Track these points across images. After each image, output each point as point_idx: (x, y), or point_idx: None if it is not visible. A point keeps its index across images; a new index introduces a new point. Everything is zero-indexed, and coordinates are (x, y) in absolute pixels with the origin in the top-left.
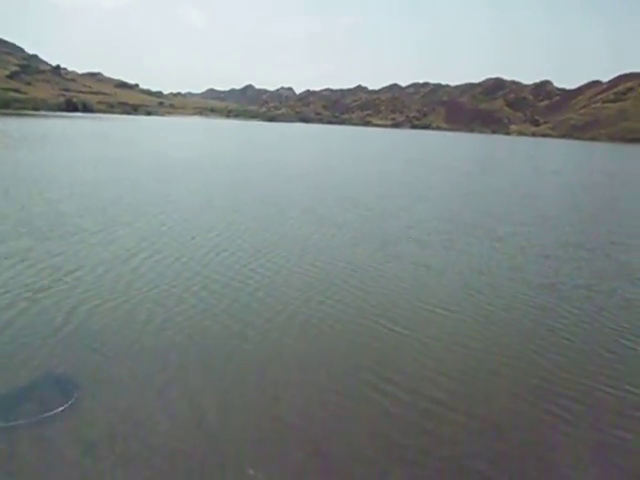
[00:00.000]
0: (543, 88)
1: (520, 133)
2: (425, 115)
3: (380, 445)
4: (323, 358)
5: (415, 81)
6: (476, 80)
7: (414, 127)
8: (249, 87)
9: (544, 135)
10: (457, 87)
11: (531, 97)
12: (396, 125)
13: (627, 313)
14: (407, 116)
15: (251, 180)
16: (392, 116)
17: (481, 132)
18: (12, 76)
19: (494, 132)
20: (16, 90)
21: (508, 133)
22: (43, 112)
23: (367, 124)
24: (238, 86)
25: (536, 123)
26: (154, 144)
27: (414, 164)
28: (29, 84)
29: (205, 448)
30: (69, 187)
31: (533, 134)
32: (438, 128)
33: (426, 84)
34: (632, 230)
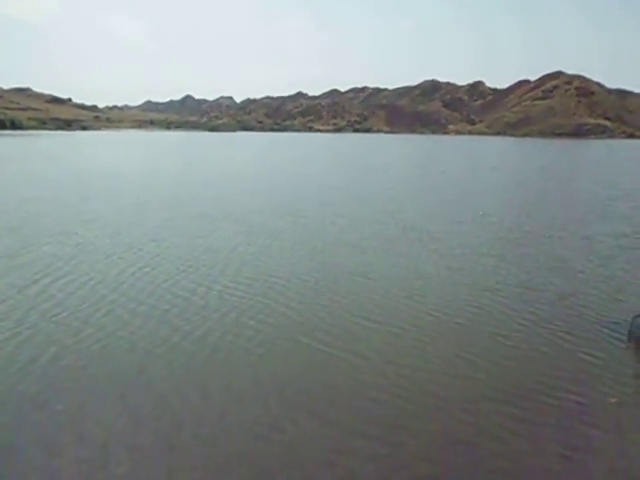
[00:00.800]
0: (476, 88)
1: (458, 132)
2: (366, 119)
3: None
4: (250, 383)
5: (354, 86)
6: (413, 83)
7: (356, 131)
8: (188, 97)
9: (480, 133)
10: (395, 90)
11: (466, 97)
12: (338, 130)
13: (564, 309)
14: (348, 120)
15: (184, 196)
16: (334, 121)
17: (421, 133)
18: None
19: (434, 132)
20: None
21: (447, 133)
22: None
23: (309, 130)
24: (177, 97)
25: (472, 122)
26: (84, 160)
27: (352, 167)
28: None
29: None
30: None
31: (470, 132)
32: (379, 131)
33: (365, 88)
34: (564, 223)
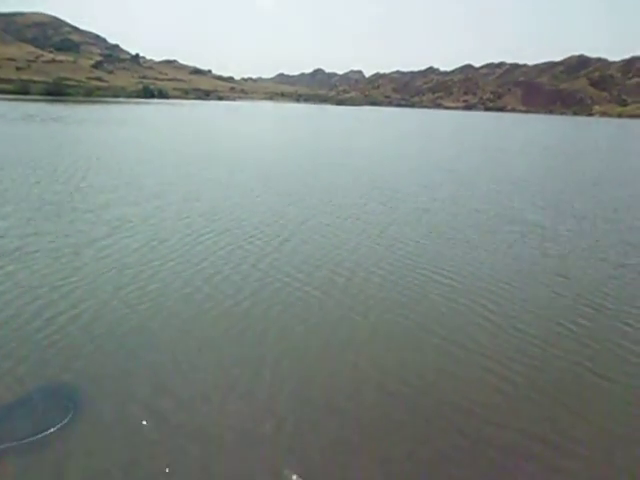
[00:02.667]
0: (633, 65)
1: (604, 114)
2: (500, 97)
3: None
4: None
5: (490, 61)
6: (557, 58)
7: (487, 109)
8: (319, 71)
9: (632, 116)
10: (535, 66)
11: (619, 75)
12: (468, 107)
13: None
14: (480, 98)
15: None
16: (464, 98)
17: (561, 114)
18: (96, 66)
19: (575, 113)
20: (99, 79)
21: (591, 114)
22: (122, 99)
23: (438, 106)
24: (308, 70)
25: (623, 103)
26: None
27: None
28: (111, 73)
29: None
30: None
31: (619, 115)
32: (513, 110)
33: (502, 64)
34: None
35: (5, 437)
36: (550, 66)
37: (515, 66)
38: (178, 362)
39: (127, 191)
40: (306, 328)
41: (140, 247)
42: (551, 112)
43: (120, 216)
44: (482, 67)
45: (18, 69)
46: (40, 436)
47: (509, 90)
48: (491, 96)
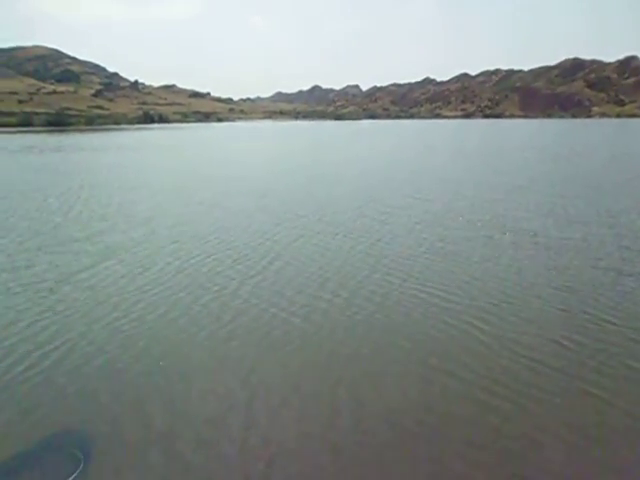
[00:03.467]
0: (628, 65)
1: (603, 115)
2: (497, 103)
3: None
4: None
5: (485, 69)
6: (552, 62)
7: (486, 117)
8: (316, 87)
9: (631, 115)
10: (531, 71)
11: (615, 75)
12: (467, 116)
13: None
14: (478, 106)
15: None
16: (462, 107)
17: (560, 117)
18: (96, 94)
19: (574, 116)
20: (100, 107)
21: (590, 116)
22: (124, 125)
23: (437, 116)
24: (305, 87)
25: (621, 103)
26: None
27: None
28: (111, 100)
29: None
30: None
31: (618, 115)
32: (512, 116)
33: (497, 71)
34: None
35: None
36: (545, 70)
37: (511, 72)
38: (190, 396)
39: (115, 219)
40: (285, 354)
41: (135, 275)
42: (549, 116)
43: (108, 244)
44: (478, 75)
45: (20, 102)
46: None
47: (506, 96)
48: (489, 103)
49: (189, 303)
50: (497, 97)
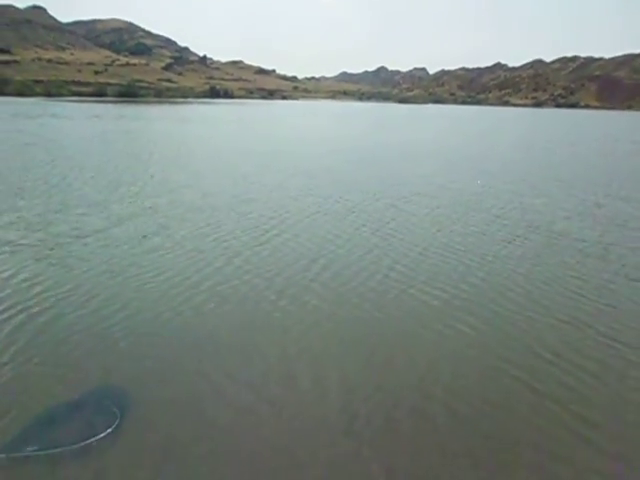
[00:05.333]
0: None
1: None
2: (572, 92)
3: None
4: None
5: (562, 55)
6: (637, 50)
7: (558, 106)
8: (382, 69)
9: None
10: (613, 59)
11: None
12: (538, 104)
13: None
14: (551, 94)
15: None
16: (533, 95)
17: None
18: (166, 68)
19: None
20: (169, 80)
21: None
22: (190, 99)
23: (505, 104)
24: (371, 68)
25: None
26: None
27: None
28: (180, 74)
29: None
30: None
31: None
32: (587, 107)
33: (575, 58)
34: None
35: (53, 442)
36: (630, 58)
37: (590, 59)
38: (229, 364)
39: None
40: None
41: (187, 243)
42: (629, 108)
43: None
44: (554, 62)
45: (96, 73)
46: (87, 442)
47: (582, 85)
48: (563, 92)
49: (228, 269)
50: (572, 86)
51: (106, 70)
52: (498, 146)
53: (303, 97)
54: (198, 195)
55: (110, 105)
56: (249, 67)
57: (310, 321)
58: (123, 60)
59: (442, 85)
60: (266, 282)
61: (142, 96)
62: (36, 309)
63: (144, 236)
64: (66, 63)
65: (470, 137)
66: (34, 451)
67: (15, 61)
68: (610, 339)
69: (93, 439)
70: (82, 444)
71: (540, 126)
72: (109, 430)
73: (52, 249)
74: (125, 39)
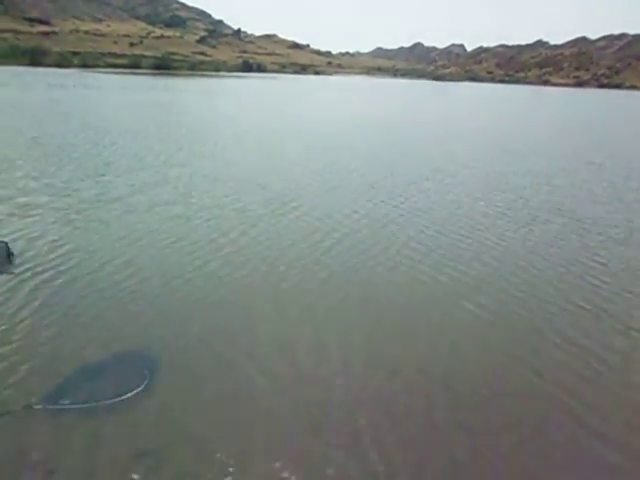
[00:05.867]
0: None
1: None
2: (617, 72)
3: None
4: None
5: (609, 33)
6: None
7: (601, 86)
8: (418, 45)
9: None
10: None
11: None
12: (579, 84)
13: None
14: (594, 74)
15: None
16: (575, 74)
17: None
18: (200, 40)
19: None
20: (202, 53)
21: None
22: (223, 73)
23: (545, 83)
24: (407, 44)
25: None
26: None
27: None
28: (214, 47)
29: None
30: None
31: None
32: (633, 87)
33: (623, 35)
34: None
35: (87, 397)
36: None
37: (639, 37)
38: (255, 328)
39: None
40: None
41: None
42: None
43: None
44: (599, 39)
45: (131, 45)
46: (118, 399)
47: (629, 64)
48: (607, 72)
49: (257, 240)
50: (618, 65)
51: (141, 42)
52: (533, 127)
53: (337, 72)
54: (221, 165)
55: (145, 77)
56: (283, 41)
57: (317, 292)
58: (158, 32)
59: (480, 62)
60: (278, 253)
61: (176, 69)
62: (73, 271)
63: (166, 203)
64: (102, 35)
65: (504, 117)
66: (69, 404)
67: (54, 32)
68: (625, 326)
69: (124, 396)
70: (114, 400)
71: (580, 106)
72: (140, 389)
73: (79, 212)
74: (160, 11)
